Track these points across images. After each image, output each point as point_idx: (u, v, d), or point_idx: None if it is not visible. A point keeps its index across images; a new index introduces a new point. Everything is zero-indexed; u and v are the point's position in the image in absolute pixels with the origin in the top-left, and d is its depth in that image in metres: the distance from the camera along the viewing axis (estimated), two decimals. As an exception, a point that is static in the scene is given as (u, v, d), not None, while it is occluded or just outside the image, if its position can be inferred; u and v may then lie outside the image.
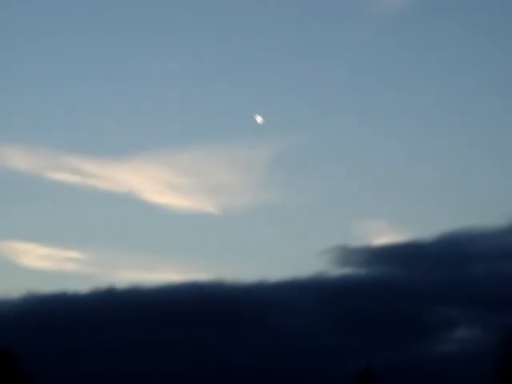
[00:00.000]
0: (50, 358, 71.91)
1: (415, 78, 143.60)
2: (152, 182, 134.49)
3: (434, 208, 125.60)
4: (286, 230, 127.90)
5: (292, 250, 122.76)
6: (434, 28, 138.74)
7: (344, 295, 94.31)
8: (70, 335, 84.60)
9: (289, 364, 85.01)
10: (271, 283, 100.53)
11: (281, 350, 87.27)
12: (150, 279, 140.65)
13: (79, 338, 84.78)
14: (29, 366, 63.86)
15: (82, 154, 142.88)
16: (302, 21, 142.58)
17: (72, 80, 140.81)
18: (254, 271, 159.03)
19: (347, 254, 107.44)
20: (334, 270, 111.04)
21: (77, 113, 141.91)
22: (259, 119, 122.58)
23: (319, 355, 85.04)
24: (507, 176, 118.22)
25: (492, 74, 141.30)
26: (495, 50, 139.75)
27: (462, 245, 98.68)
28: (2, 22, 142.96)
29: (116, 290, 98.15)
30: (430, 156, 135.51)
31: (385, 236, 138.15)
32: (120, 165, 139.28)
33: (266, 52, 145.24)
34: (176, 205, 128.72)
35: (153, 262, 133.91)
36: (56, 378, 68.20)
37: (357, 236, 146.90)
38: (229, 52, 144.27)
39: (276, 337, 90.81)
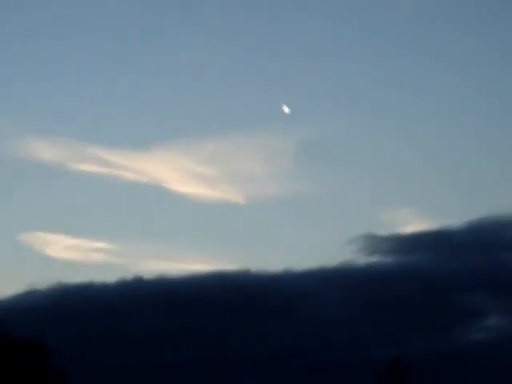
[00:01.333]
0: (78, 349, 71.88)
1: (441, 71, 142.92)
2: (177, 171, 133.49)
3: (463, 196, 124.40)
4: (313, 219, 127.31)
5: (319, 239, 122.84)
6: (452, 29, 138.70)
7: (371, 284, 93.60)
8: (98, 325, 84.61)
9: (315, 353, 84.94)
10: (298, 272, 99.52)
11: (307, 339, 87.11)
12: (177, 269, 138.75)
13: (106, 328, 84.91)
14: (57, 357, 61.41)
15: (107, 145, 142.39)
16: (331, 15, 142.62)
17: (97, 73, 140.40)
18: (280, 260, 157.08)
19: (375, 243, 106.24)
20: (362, 259, 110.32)
21: (101, 105, 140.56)
22: (286, 109, 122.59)
23: (346, 344, 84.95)
24: None
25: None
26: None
27: (490, 232, 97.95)
28: (26, 16, 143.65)
29: (143, 280, 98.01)
30: (459, 144, 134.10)
31: (413, 224, 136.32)
32: (145, 155, 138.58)
33: (294, 42, 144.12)
34: (201, 194, 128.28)
35: (179, 252, 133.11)
36: (84, 368, 67.34)
37: (384, 224, 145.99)
38: (255, 42, 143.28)
39: (302, 326, 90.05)
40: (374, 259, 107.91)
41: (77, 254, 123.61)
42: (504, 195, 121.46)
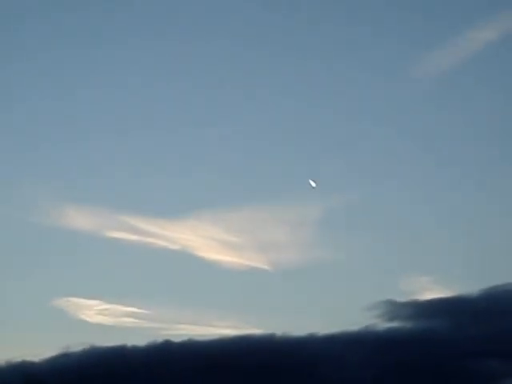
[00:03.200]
0: None
1: (456, 141, 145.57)
2: (206, 239, 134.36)
3: (479, 264, 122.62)
4: (336, 285, 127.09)
5: (341, 305, 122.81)
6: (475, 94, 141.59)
7: (391, 348, 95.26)
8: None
9: None
10: (321, 337, 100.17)
11: None
12: (205, 333, 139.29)
13: None
14: None
15: (140, 214, 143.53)
16: (352, 81, 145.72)
17: (130, 146, 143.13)
18: (304, 325, 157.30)
19: (394, 309, 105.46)
20: (382, 324, 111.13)
21: (135, 175, 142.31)
22: (313, 183, 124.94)
23: None
24: None
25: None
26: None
27: (506, 299, 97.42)
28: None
29: (172, 344, 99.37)
30: (473, 217, 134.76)
31: (431, 291, 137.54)
32: (176, 224, 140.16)
33: (316, 114, 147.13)
34: (229, 261, 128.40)
35: (207, 317, 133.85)
36: None
37: (404, 291, 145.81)
38: (280, 117, 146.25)
39: None
40: (394, 324, 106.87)
41: (109, 319, 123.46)
42: None
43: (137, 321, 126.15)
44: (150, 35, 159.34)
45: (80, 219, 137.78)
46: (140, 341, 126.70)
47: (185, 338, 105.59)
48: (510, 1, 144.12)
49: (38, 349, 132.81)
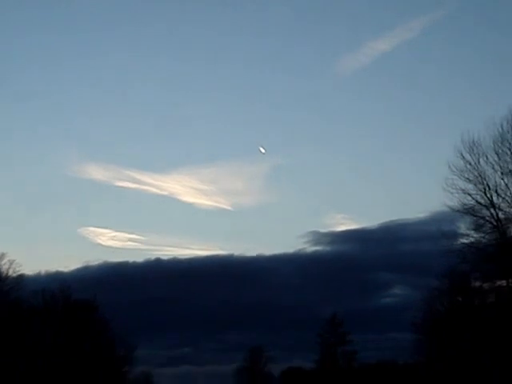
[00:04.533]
0: (117, 307, 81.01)
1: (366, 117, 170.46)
2: (185, 188, 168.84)
3: (378, 205, 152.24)
4: (277, 220, 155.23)
5: (281, 234, 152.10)
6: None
7: (316, 264, 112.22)
8: (131, 291, 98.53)
9: (277, 310, 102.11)
10: (267, 256, 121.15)
11: (272, 301, 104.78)
12: (185, 253, 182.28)
13: (137, 294, 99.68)
14: (103, 312, 76.93)
15: (139, 170, 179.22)
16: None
17: (137, 117, 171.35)
18: (254, 248, 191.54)
19: (318, 237, 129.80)
20: (309, 248, 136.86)
21: (136, 142, 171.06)
22: (263, 150, 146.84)
23: (299, 305, 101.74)
24: (428, 181, 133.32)
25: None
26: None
27: (396, 230, 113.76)
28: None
29: (162, 261, 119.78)
30: (374, 168, 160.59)
31: (344, 225, 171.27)
32: (164, 176, 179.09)
33: (268, 100, 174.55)
34: (202, 203, 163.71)
35: (186, 242, 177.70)
36: (122, 319, 77.14)
37: (325, 224, 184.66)
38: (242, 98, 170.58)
39: (270, 292, 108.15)
40: (317, 248, 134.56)
41: (117, 242, 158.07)
42: (406, 204, 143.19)
43: (136, 244, 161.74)
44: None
45: (97, 173, 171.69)
46: (139, 258, 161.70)
47: (171, 257, 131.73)
48: (400, 20, 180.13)
49: (67, 263, 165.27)
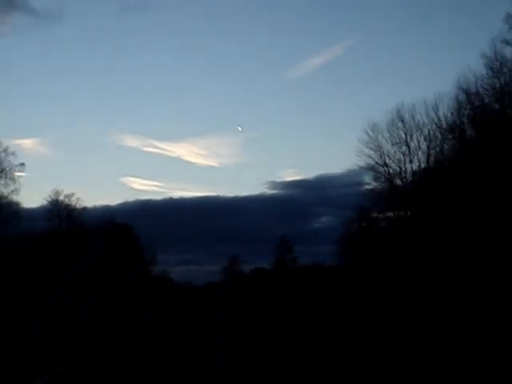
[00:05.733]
0: (145, 228, 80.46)
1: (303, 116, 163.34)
2: (189, 152, 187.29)
3: (314, 164, 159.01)
4: (249, 173, 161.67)
5: (251, 182, 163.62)
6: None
7: (273, 202, 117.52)
8: (154, 218, 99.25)
9: (248, 231, 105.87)
10: (241, 196, 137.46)
11: (245, 225, 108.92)
12: (190, 195, 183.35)
13: (157, 220, 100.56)
14: (137, 232, 76.69)
15: (157, 139, 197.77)
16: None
17: (156, 101, 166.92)
18: (233, 191, 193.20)
19: (275, 184, 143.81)
20: (269, 191, 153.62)
21: (157, 118, 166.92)
22: (240, 128, 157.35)
23: (262, 228, 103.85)
24: (346, 149, 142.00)
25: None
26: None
27: (325, 180, 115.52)
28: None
29: (173, 199, 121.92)
30: (312, 140, 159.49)
31: (292, 176, 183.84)
32: (175, 143, 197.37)
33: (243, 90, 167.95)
34: (200, 162, 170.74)
35: (189, 187, 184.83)
36: (148, 237, 78.07)
37: (280, 175, 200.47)
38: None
39: (243, 220, 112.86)
40: (274, 191, 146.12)
41: (145, 187, 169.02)
42: (329, 161, 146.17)
43: (157, 188, 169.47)
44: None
45: (131, 141, 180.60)
46: (159, 197, 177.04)
47: (179, 197, 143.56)
48: (333, 39, 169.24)
49: (113, 200, 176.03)
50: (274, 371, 23.69)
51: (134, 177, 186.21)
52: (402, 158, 45.44)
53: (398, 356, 16.82)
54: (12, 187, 49.35)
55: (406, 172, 46.00)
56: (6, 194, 49.70)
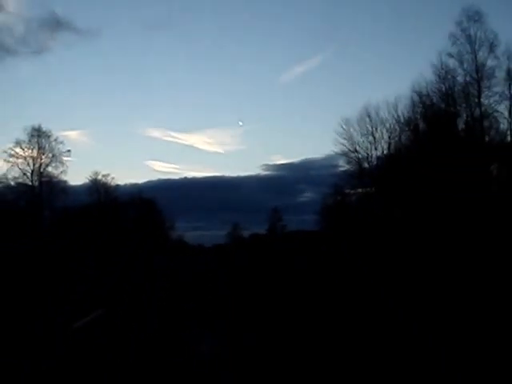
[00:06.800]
0: (165, 201, 79.46)
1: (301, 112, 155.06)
2: (200, 140, 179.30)
3: (299, 150, 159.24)
4: (247, 158, 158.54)
5: (249, 165, 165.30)
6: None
7: (267, 182, 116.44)
8: (172, 193, 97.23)
9: (248, 204, 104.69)
10: (242, 176, 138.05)
11: (245, 199, 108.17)
12: (200, 175, 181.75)
13: (175, 194, 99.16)
14: (159, 204, 76.92)
15: (175, 130, 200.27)
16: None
17: (177, 98, 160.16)
18: (236, 171, 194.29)
19: (268, 167, 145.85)
20: (263, 173, 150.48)
21: (175, 112, 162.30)
22: (240, 123, 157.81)
23: (258, 201, 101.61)
24: (327, 138, 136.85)
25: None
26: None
27: (309, 163, 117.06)
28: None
29: (187, 179, 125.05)
30: (297, 131, 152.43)
31: (281, 160, 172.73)
32: (189, 134, 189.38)
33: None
34: (209, 149, 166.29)
35: (199, 168, 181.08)
36: (168, 208, 79.14)
37: (270, 160, 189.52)
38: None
39: (243, 195, 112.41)
40: (268, 173, 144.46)
41: (165, 168, 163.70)
42: (311, 148, 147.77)
43: (174, 169, 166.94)
44: None
45: (152, 131, 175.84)
46: (176, 177, 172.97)
47: (192, 176, 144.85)
48: (320, 48, 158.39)
49: (140, 179, 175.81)
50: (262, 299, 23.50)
51: (156, 160, 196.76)
52: (368, 146, 46.15)
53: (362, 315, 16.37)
54: (61, 169, 50.89)
55: (371, 157, 46.74)
56: (56, 175, 51.32)
